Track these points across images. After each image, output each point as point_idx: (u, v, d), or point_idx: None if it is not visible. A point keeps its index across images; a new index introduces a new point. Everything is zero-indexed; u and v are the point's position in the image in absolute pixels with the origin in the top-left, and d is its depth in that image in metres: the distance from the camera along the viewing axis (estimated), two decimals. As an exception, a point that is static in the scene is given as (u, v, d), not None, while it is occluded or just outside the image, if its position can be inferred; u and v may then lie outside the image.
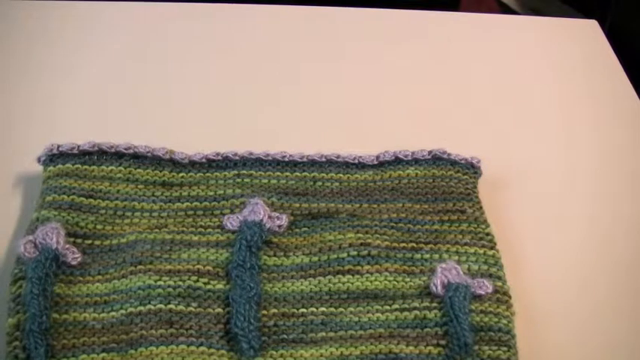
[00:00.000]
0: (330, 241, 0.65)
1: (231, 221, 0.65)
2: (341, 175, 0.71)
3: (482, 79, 0.88)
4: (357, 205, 0.68)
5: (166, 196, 0.68)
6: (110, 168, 0.68)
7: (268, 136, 0.77)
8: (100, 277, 0.61)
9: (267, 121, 0.80)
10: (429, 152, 0.72)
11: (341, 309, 0.60)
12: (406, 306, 0.60)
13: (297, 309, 0.60)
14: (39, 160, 0.69)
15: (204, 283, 0.60)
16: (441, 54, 0.91)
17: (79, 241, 0.63)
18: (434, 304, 0.60)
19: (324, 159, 0.71)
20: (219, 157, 0.71)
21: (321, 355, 0.57)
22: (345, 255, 0.63)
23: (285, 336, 0.58)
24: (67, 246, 0.61)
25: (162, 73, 0.85)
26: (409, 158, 0.72)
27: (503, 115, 0.84)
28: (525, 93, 0.87)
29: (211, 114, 0.81)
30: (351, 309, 0.60)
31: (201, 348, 0.56)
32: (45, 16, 0.89)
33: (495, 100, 0.85)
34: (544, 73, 0.90)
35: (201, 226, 0.65)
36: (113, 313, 0.58)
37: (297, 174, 0.70)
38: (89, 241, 0.63)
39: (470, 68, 0.89)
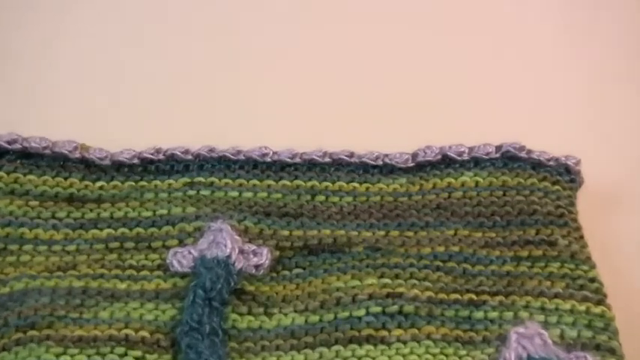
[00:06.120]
0: (338, 289, 0.54)
1: (180, 258, 0.55)
2: (356, 184, 0.60)
3: (581, 44, 0.75)
4: (382, 233, 0.58)
5: (75, 219, 0.57)
6: (-17, 174, 0.61)
7: (240, 123, 0.67)
8: (-32, 348, 0.53)
9: (238, 102, 0.69)
10: (498, 148, 0.61)
11: (355, 401, 0.53)
12: (461, 395, 0.53)
13: (286, 400, 0.53)
14: None
15: (137, 358, 0.50)
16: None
17: None
18: (505, 393, 0.52)
19: (328, 159, 0.61)
20: (161, 156, 0.60)
21: None
22: (362, 312, 0.53)
23: None
24: None
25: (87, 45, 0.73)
26: (465, 157, 0.60)
27: (613, 96, 0.72)
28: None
29: (152, 94, 0.69)
30: (372, 401, 0.53)
31: None
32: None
33: (599, 76, 0.73)
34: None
35: (131, 267, 0.55)
36: (-11, 409, 0.50)
37: (286, 183, 0.60)
38: (-50, 291, 0.55)
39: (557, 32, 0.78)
